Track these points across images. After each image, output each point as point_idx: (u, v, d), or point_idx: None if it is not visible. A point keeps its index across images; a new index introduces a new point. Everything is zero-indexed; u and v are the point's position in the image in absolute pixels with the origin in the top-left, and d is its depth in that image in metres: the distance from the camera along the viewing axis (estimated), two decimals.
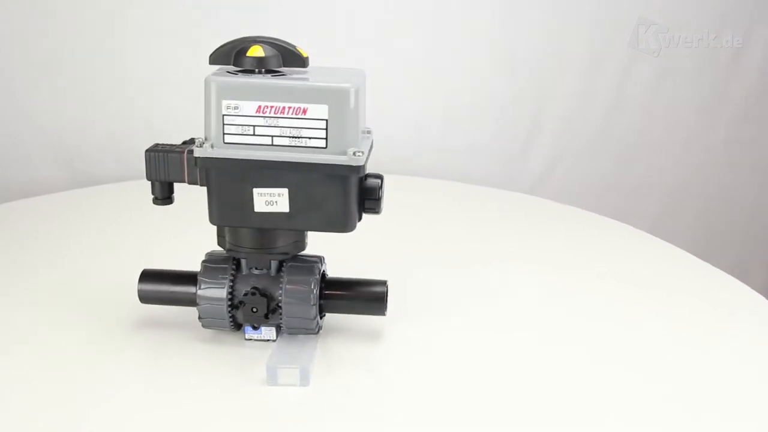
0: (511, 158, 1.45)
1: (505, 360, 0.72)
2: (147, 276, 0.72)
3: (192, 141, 0.67)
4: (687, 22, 1.45)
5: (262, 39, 0.64)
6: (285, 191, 0.65)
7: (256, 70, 0.64)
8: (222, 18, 1.24)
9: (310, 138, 0.63)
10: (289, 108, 0.63)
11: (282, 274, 0.69)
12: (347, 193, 0.65)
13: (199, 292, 0.69)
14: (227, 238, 0.69)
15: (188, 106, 1.26)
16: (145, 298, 0.72)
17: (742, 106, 1.56)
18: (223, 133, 0.63)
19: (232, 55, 0.64)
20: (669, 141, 1.54)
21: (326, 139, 0.63)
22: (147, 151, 0.66)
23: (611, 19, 1.41)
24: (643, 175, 1.55)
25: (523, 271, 0.92)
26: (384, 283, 0.72)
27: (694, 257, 0.98)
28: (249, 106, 0.62)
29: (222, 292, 0.69)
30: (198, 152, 0.63)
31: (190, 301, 0.71)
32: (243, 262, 0.70)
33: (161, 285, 0.72)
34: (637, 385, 0.68)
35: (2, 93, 1.21)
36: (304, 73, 0.65)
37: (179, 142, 0.69)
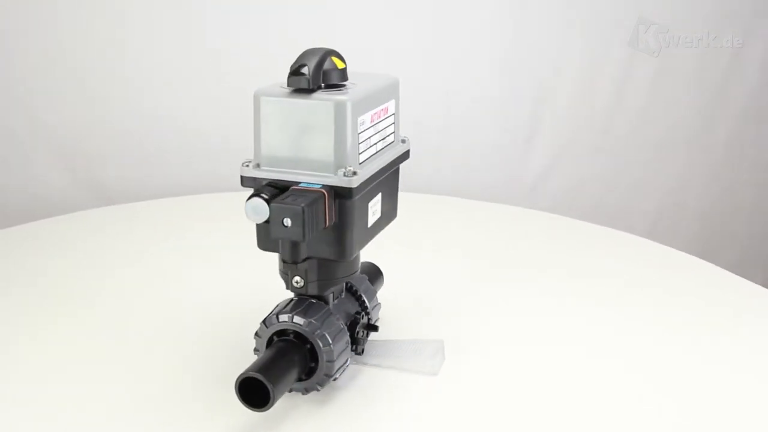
0: (512, 158, 1.45)
1: (516, 366, 0.72)
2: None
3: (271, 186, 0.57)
4: (687, 22, 1.45)
5: (323, 51, 0.59)
6: (379, 195, 0.62)
7: (313, 84, 0.57)
8: (225, 19, 1.24)
9: (389, 135, 0.64)
10: (383, 110, 0.62)
11: (354, 290, 0.67)
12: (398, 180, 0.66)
13: (335, 348, 0.60)
14: (318, 276, 0.60)
15: (190, 106, 1.28)
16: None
17: (742, 106, 1.56)
18: (358, 153, 0.58)
19: (321, 73, 0.57)
20: (669, 141, 1.55)
21: (394, 132, 0.65)
22: (301, 207, 0.52)
23: (611, 19, 1.41)
24: (643, 175, 1.55)
25: (527, 279, 0.91)
26: (371, 263, 0.75)
27: (697, 258, 0.97)
28: (368, 118, 0.59)
29: (345, 335, 0.62)
30: (347, 182, 0.56)
31: (306, 371, 0.61)
32: (330, 296, 0.63)
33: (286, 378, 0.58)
34: (649, 388, 0.68)
35: (3, 93, 1.21)
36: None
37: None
